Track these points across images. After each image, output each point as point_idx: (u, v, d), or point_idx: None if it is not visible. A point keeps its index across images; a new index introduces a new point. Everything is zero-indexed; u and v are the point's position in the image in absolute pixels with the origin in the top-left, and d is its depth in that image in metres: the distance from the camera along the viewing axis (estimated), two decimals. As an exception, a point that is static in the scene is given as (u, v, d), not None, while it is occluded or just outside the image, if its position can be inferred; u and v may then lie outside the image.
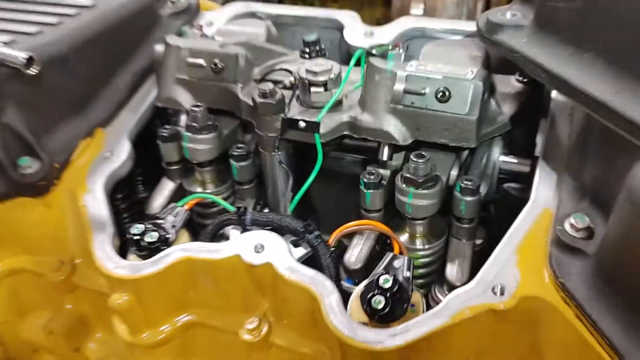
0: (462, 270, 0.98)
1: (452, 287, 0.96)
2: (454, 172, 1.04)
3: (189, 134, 1.10)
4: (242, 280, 0.97)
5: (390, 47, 1.18)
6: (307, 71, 1.03)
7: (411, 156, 0.95)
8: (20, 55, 0.97)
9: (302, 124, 1.02)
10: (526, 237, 0.88)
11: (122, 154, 1.15)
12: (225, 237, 1.04)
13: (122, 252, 1.03)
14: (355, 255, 1.01)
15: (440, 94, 0.96)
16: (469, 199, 0.96)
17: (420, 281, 1.05)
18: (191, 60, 1.13)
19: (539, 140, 1.03)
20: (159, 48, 1.20)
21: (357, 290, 0.89)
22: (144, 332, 1.04)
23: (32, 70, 0.99)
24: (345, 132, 1.04)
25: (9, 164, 1.06)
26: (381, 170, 1.02)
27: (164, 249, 0.99)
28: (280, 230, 0.98)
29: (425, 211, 0.97)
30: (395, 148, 1.04)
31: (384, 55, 1.11)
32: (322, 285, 0.89)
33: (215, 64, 1.10)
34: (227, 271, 0.96)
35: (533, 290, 0.82)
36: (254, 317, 0.99)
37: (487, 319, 0.83)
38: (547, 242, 0.84)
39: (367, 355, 0.84)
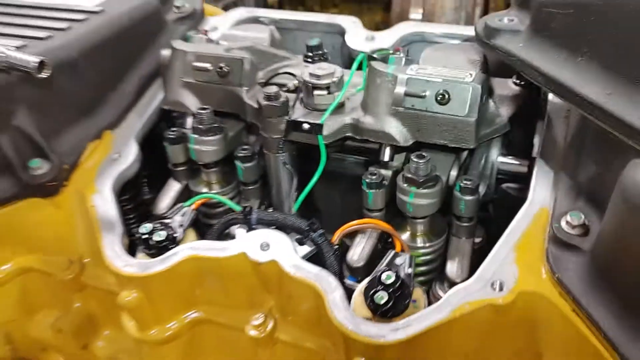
0: (462, 267, 1.01)
1: (452, 284, 0.99)
2: (454, 173, 1.07)
3: (196, 136, 1.13)
4: (248, 278, 0.99)
5: (391, 52, 1.21)
6: (311, 75, 1.06)
7: (412, 157, 0.98)
8: (32, 60, 1.00)
9: (306, 126, 1.05)
10: (524, 235, 0.90)
11: (129, 155, 1.17)
12: (231, 237, 1.06)
13: (129, 253, 1.05)
14: (357, 253, 1.03)
15: (440, 96, 0.99)
16: (468, 198, 0.99)
17: (421, 278, 1.07)
18: (197, 64, 1.16)
19: (536, 141, 1.05)
20: (165, 52, 1.23)
21: (360, 286, 0.92)
22: (152, 328, 1.07)
23: (44, 75, 1.01)
24: (347, 134, 1.07)
25: (19, 166, 1.09)
26: (383, 171, 1.05)
27: (172, 248, 1.01)
28: (285, 229, 1.01)
29: (425, 210, 1.00)
30: (396, 149, 1.07)
31: (385, 59, 1.14)
32: (326, 282, 0.91)
33: (221, 68, 1.13)
34: (234, 269, 0.98)
35: (531, 285, 0.84)
36: (259, 314, 1.01)
37: (487, 314, 0.85)
38: (545, 240, 0.87)
39: (370, 349, 0.86)
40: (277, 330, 1.02)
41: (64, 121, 1.15)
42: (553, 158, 0.98)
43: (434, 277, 1.08)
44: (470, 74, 1.01)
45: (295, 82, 1.13)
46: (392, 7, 2.83)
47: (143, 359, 1.15)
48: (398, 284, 0.87)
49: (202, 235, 1.10)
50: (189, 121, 1.23)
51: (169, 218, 1.08)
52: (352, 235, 1.06)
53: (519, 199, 0.96)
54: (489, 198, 1.13)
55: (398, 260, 0.93)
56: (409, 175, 0.98)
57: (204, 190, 1.20)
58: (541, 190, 0.95)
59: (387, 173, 1.06)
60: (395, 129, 1.03)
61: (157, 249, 1.02)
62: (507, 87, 1.09)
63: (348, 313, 0.88)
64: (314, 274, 0.93)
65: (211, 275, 1.01)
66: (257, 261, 0.95)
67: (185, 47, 1.19)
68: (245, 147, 1.15)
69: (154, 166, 1.27)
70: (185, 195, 1.22)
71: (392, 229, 1.01)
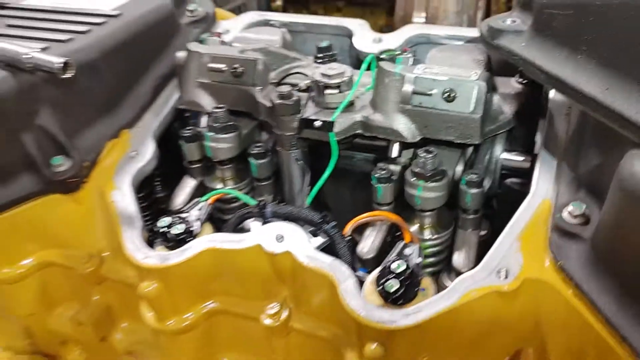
0: (469, 258, 1.05)
1: (458, 274, 1.02)
2: (459, 168, 1.11)
3: (212, 134, 1.18)
4: (263, 269, 1.03)
5: (397, 52, 1.26)
6: (322, 74, 1.11)
7: (420, 152, 1.02)
8: (57, 61, 1.04)
9: (317, 123, 1.09)
10: (528, 225, 0.94)
11: (147, 153, 1.22)
12: (246, 230, 1.11)
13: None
14: (368, 245, 1.07)
15: (447, 94, 1.03)
16: (474, 191, 1.03)
17: (429, 270, 1.11)
18: (212, 65, 1.21)
19: (538, 138, 1.09)
20: (181, 54, 1.28)
21: (371, 276, 0.96)
22: (170, 319, 1.11)
23: (68, 75, 1.06)
24: (357, 131, 1.11)
25: (42, 163, 1.14)
26: (391, 166, 1.10)
27: (189, 241, 1.06)
28: (298, 221, 1.05)
29: (433, 203, 1.04)
30: (404, 145, 1.11)
31: (392, 60, 1.18)
32: (339, 271, 0.96)
33: (235, 69, 1.18)
34: (250, 260, 1.02)
35: (535, 273, 0.88)
36: (274, 303, 1.05)
37: (493, 300, 0.89)
38: (547, 229, 0.91)
39: (383, 335, 0.90)
40: (291, 319, 1.06)
41: (85, 120, 1.20)
42: (555, 153, 1.02)
43: (442, 268, 1.13)
44: (475, 73, 1.05)
45: (307, 81, 1.17)
46: (396, 10, 2.88)
47: (160, 349, 1.19)
48: (408, 272, 0.91)
49: (217, 230, 1.15)
50: (203, 120, 1.27)
51: (186, 212, 1.12)
52: (361, 229, 1.10)
53: (522, 194, 0.99)
54: (493, 193, 1.17)
55: (407, 251, 0.97)
56: (417, 170, 1.02)
57: (219, 186, 1.24)
58: (543, 183, 0.99)
59: (396, 168, 1.10)
60: (404, 126, 1.07)
61: (176, 242, 1.06)
62: (510, 85, 1.13)
63: (361, 300, 0.92)
64: (327, 263, 0.97)
65: (228, 266, 1.05)
66: (273, 252, 1.00)
67: (200, 49, 1.24)
68: (259, 144, 1.20)
69: (166, 165, 1.32)
70: (200, 191, 1.27)
71: (402, 220, 1.05)
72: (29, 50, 1.06)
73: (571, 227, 0.87)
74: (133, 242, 1.07)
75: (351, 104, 1.12)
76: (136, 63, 1.29)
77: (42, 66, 1.06)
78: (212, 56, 1.22)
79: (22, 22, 1.27)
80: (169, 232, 1.06)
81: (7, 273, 1.25)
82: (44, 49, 1.12)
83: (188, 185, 1.27)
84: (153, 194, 1.38)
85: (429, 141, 1.08)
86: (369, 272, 1.00)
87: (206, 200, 1.14)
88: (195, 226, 1.09)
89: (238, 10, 2.40)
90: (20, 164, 1.14)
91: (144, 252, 1.05)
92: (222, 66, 1.20)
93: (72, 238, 1.23)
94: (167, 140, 1.31)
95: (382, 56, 1.22)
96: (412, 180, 1.03)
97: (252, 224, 1.08)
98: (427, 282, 0.99)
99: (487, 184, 1.12)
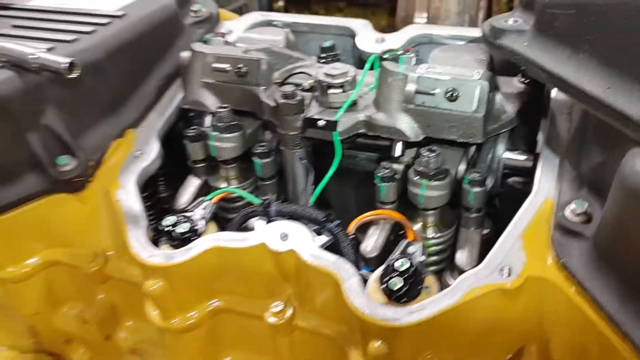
0: (472, 256, 1.06)
1: (461, 272, 1.03)
2: (462, 167, 1.12)
3: (216, 134, 1.19)
4: (267, 267, 1.04)
5: (400, 52, 1.26)
6: (326, 74, 1.12)
7: (423, 151, 1.03)
8: (63, 61, 1.05)
9: (321, 123, 1.10)
10: (530, 224, 0.95)
11: (151, 152, 1.22)
12: (250, 229, 1.11)
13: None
14: (371, 244, 1.08)
15: (449, 93, 1.04)
16: (476, 189, 1.04)
17: (432, 268, 1.12)
18: (217, 65, 1.22)
19: (540, 137, 1.10)
20: (185, 54, 1.29)
21: (375, 274, 0.97)
22: (175, 317, 1.11)
23: (74, 75, 1.07)
24: (361, 130, 1.12)
25: (48, 163, 1.15)
26: (394, 165, 1.10)
27: (194, 239, 1.06)
28: (302, 220, 1.06)
29: (436, 201, 1.05)
30: (407, 145, 1.12)
31: (395, 60, 1.19)
32: (343, 269, 0.96)
33: (240, 69, 1.19)
34: (254, 258, 1.03)
35: (538, 271, 0.89)
36: (278, 302, 1.06)
37: (496, 298, 0.90)
38: (550, 228, 0.92)
39: (386, 332, 0.91)
40: (295, 317, 1.07)
41: (90, 120, 1.21)
42: (557, 152, 1.03)
43: (444, 267, 1.13)
44: (478, 73, 1.06)
45: (311, 81, 1.18)
46: (397, 11, 2.89)
47: (165, 347, 1.20)
48: (412, 270, 0.92)
49: (221, 229, 1.15)
50: (207, 120, 1.28)
51: (190, 211, 1.13)
52: (364, 229, 1.11)
53: (524, 193, 1.00)
54: (495, 192, 1.18)
55: (411, 249, 0.98)
56: (420, 169, 1.03)
57: (223, 185, 1.25)
58: (546, 182, 1.00)
59: (399, 167, 1.11)
60: (407, 125, 1.08)
61: (180, 241, 1.07)
62: (512, 85, 1.14)
63: (365, 298, 0.93)
64: (331, 262, 0.98)
65: (232, 265, 1.06)
66: (277, 251, 1.00)
67: (204, 49, 1.25)
68: (263, 143, 1.20)
69: (169, 164, 1.33)
70: (204, 191, 1.27)
71: (405, 219, 1.06)
72: (35, 51, 1.07)
73: (573, 225, 0.88)
74: (138, 241, 1.08)
75: (354, 104, 1.13)
76: (140, 63, 1.30)
77: (48, 66, 1.07)
78: (216, 56, 1.23)
79: (27, 23, 1.28)
80: (174, 230, 1.07)
81: (12, 272, 1.25)
82: (49, 50, 1.13)
83: (192, 184, 1.28)
84: (156, 193, 1.39)
85: (431, 140, 1.09)
86: (372, 271, 1.01)
87: (211, 199, 1.15)
88: (200, 225, 1.10)
89: (239, 11, 2.41)
90: (26, 164, 1.14)
91: (149, 251, 1.06)
92: (226, 66, 1.21)
93: (77, 237, 1.24)
94: (171, 140, 1.31)
95: (385, 56, 1.23)
96: (415, 179, 1.04)
97: (257, 222, 1.09)
98: (430, 280, 1.00)
99: (489, 183, 1.12)
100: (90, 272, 1.22)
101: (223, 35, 1.38)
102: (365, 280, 0.97)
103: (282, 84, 1.22)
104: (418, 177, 1.04)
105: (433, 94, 1.05)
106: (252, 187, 1.27)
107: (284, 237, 1.01)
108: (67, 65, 1.05)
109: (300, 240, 1.01)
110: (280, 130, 1.15)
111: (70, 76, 1.06)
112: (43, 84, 1.11)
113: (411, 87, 1.07)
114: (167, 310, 1.11)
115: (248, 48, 1.25)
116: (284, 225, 1.03)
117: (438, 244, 1.10)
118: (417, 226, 1.10)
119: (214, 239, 1.05)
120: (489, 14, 2.77)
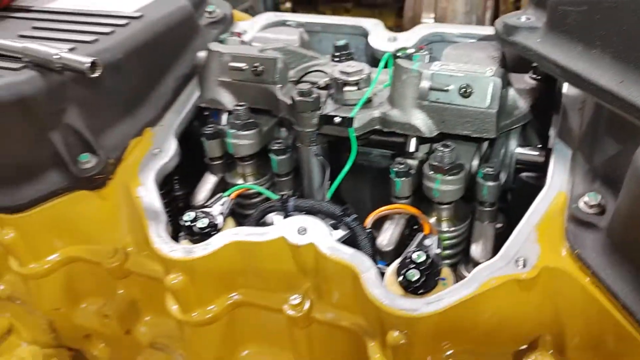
0: (486, 249, 1.08)
1: (476, 265, 1.05)
2: (475, 162, 1.14)
3: (233, 131, 1.21)
4: (286, 261, 1.06)
5: (413, 51, 1.29)
6: (341, 72, 1.14)
7: (437, 146, 1.05)
8: (85, 60, 1.08)
9: (337, 120, 1.12)
10: (544, 216, 0.96)
11: (169, 150, 1.25)
12: (267, 224, 1.14)
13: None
14: (387, 238, 1.10)
15: (463, 90, 1.06)
16: (490, 184, 1.06)
17: (447, 261, 1.14)
18: (233, 64, 1.24)
19: (552, 133, 1.12)
20: (202, 54, 1.32)
21: (391, 268, 0.99)
22: (195, 311, 1.13)
23: (95, 74, 1.09)
24: (376, 127, 1.14)
25: (70, 160, 1.17)
26: (409, 161, 1.12)
27: (213, 234, 1.09)
28: (319, 214, 1.08)
29: (451, 195, 1.07)
30: (421, 140, 1.14)
31: (408, 57, 1.21)
32: (361, 262, 0.98)
33: (256, 67, 1.21)
34: (273, 252, 1.05)
35: (552, 262, 0.90)
36: (296, 295, 1.08)
37: (511, 289, 0.91)
38: (564, 220, 0.94)
39: (405, 322, 0.93)
40: (313, 310, 1.09)
41: (110, 119, 1.23)
42: (569, 146, 1.05)
43: (459, 260, 1.15)
44: (491, 69, 1.08)
45: (326, 79, 1.21)
46: (405, 11, 2.90)
47: (184, 341, 1.22)
48: (429, 262, 0.94)
49: (238, 224, 1.18)
50: (224, 118, 1.30)
51: (209, 207, 1.15)
52: (379, 224, 1.13)
53: (537, 188, 1.02)
54: (508, 187, 1.20)
55: (427, 242, 1.00)
56: (435, 164, 1.05)
57: (240, 182, 1.27)
58: (559, 175, 1.01)
59: (413, 163, 1.13)
60: (421, 121, 1.10)
61: (200, 236, 1.09)
62: (524, 81, 1.15)
63: (383, 289, 0.94)
64: (349, 255, 1.00)
65: (251, 259, 1.08)
66: (296, 244, 1.02)
67: (221, 49, 1.27)
68: (279, 140, 1.23)
69: (185, 163, 1.35)
70: (220, 187, 1.30)
71: (421, 213, 1.08)
72: (57, 51, 1.09)
73: (587, 217, 0.89)
74: (159, 236, 1.10)
75: (369, 101, 1.15)
76: (158, 63, 1.33)
77: (71, 66, 1.09)
78: (233, 55, 1.25)
79: (47, 24, 1.31)
80: (194, 225, 1.09)
81: (33, 268, 1.28)
82: (70, 50, 1.16)
83: (209, 181, 1.30)
84: (172, 191, 1.41)
85: (445, 136, 1.11)
86: (388, 265, 1.03)
87: (229, 195, 1.17)
88: (219, 220, 1.13)
89: (246, 13, 2.43)
90: (49, 162, 1.17)
91: (170, 246, 1.08)
92: (242, 65, 1.23)
93: (97, 233, 1.26)
94: (187, 139, 1.34)
95: (398, 54, 1.25)
96: (430, 173, 1.06)
97: (275, 217, 1.12)
98: (446, 272, 1.02)
99: (502, 177, 1.14)
100: (111, 268, 1.24)
101: (239, 34, 1.41)
102: (382, 274, 0.99)
103: (298, 82, 1.24)
104: (433, 171, 1.06)
105: (447, 90, 1.07)
106: (269, 184, 1.29)
107: (303, 231, 1.03)
108: (90, 64, 1.08)
109: (318, 234, 1.03)
110: (296, 127, 1.18)
111: (92, 75, 1.09)
112: (65, 84, 1.14)
113: (425, 84, 1.09)
114: (187, 304, 1.13)
115: (264, 47, 1.28)
116: (302, 219, 1.05)
117: (452, 237, 1.12)
118: (432, 220, 1.12)
119: (233, 233, 1.07)
120: (496, 14, 2.79)
